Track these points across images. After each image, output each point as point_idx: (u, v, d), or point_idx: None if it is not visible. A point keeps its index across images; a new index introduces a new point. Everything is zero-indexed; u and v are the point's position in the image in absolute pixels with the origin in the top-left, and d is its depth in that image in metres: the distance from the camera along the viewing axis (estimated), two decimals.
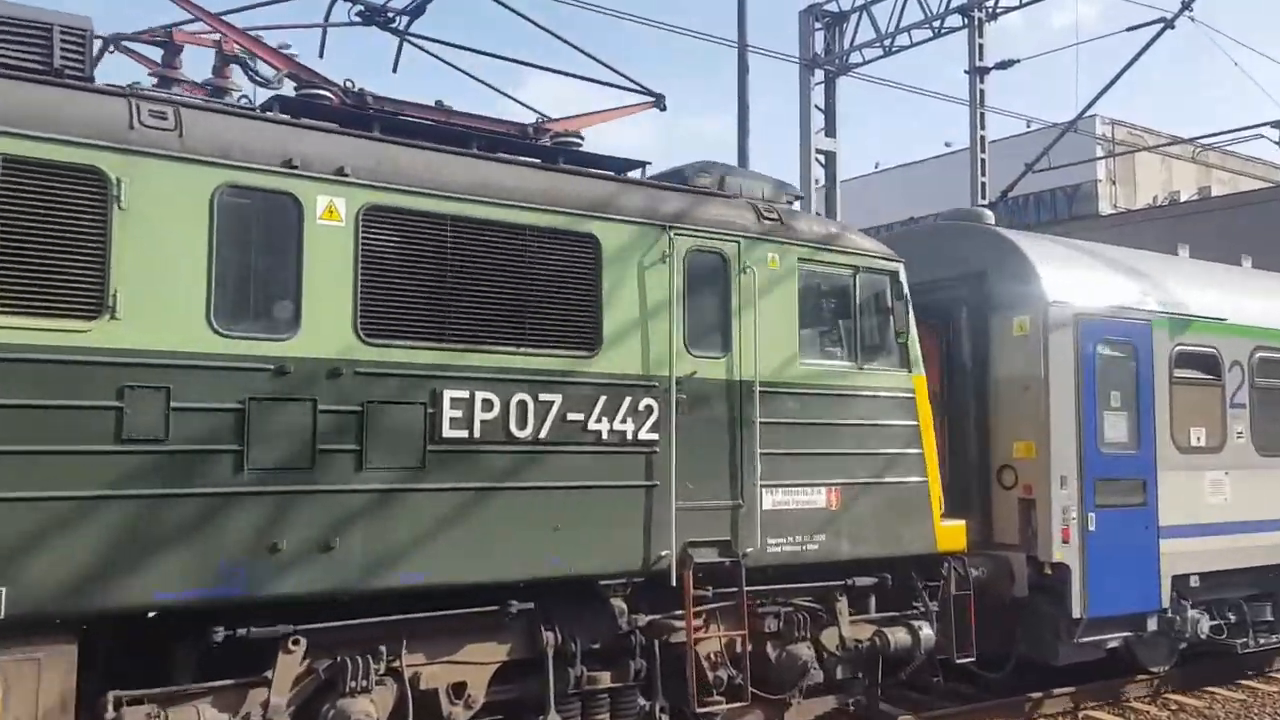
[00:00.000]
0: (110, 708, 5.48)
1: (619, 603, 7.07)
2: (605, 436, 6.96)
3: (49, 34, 5.51)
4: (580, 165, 7.62)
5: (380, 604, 6.28)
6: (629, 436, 7.07)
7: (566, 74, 8.52)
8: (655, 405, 7.18)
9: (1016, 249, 10.10)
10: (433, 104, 7.45)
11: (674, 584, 7.16)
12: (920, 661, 8.61)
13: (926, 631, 8.54)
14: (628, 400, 7.07)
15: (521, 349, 6.69)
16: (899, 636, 8.42)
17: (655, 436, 7.17)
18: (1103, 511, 9.83)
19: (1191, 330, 10.79)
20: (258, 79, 6.65)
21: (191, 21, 6.39)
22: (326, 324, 6.01)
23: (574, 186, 7.14)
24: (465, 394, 6.43)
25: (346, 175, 6.14)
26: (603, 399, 6.96)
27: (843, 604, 8.26)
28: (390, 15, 8.20)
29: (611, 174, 7.67)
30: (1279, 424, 11.59)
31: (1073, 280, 10.06)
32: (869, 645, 8.34)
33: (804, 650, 7.96)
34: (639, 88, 8.57)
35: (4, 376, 5.11)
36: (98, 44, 5.93)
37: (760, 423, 7.64)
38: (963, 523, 8.93)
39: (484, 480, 6.47)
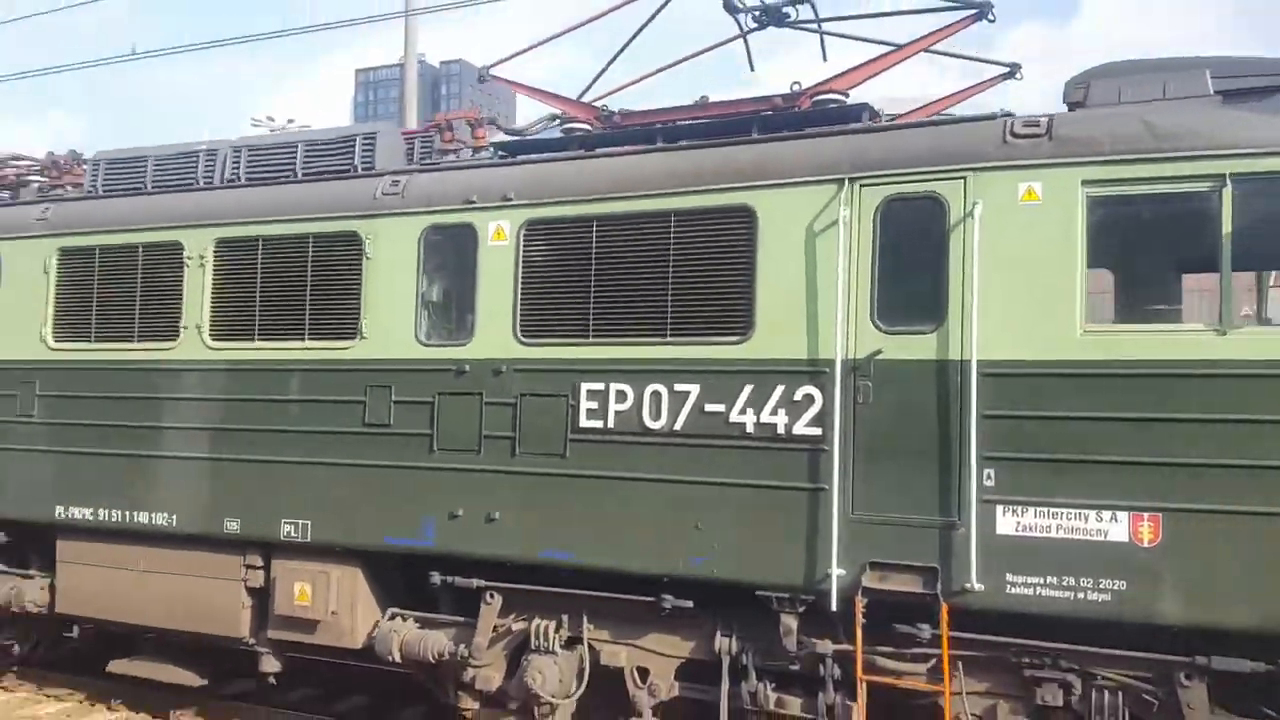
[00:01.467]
0: (386, 617, 7.58)
1: (787, 620, 6.22)
2: (750, 430, 6.27)
3: (351, 143, 7.95)
4: (833, 123, 6.81)
5: (557, 577, 6.97)
6: (780, 430, 6.20)
7: (863, 16, 7.33)
8: (818, 394, 6.11)
9: None
10: (697, 101, 7.59)
11: (834, 609, 5.97)
12: None
13: None
14: (780, 389, 6.21)
15: (664, 339, 6.58)
16: None
17: (818, 431, 6.10)
18: None
19: None
20: (512, 130, 7.93)
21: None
22: (494, 330, 7.08)
23: (722, 158, 6.58)
24: (600, 386, 6.70)
25: (510, 199, 7.10)
26: (748, 388, 6.29)
27: (1195, 693, 5.41)
28: (785, 12, 8.35)
29: (832, 128, 6.64)
30: None
31: None
32: None
33: None
34: (955, 2, 7.01)
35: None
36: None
37: (989, 416, 5.71)
38: None
39: (619, 470, 6.62)
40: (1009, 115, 6.09)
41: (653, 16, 8.18)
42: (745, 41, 8.74)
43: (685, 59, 9.16)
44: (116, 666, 9.04)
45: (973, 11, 6.96)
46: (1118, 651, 5.59)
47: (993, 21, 6.89)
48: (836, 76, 7.16)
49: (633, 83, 8.70)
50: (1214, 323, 5.43)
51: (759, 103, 7.23)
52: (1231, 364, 5.33)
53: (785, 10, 8.14)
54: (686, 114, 7.50)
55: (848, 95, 7.07)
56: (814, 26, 8.17)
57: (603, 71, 8.42)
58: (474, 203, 7.24)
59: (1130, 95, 6.18)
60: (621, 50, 8.62)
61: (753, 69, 9.27)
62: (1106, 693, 5.60)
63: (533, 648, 7.03)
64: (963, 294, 5.84)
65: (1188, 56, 6.38)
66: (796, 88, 7.17)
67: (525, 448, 6.91)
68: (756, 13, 8.22)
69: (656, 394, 6.55)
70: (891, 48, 7.52)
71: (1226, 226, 5.42)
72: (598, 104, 8.14)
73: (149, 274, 8.44)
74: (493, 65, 8.31)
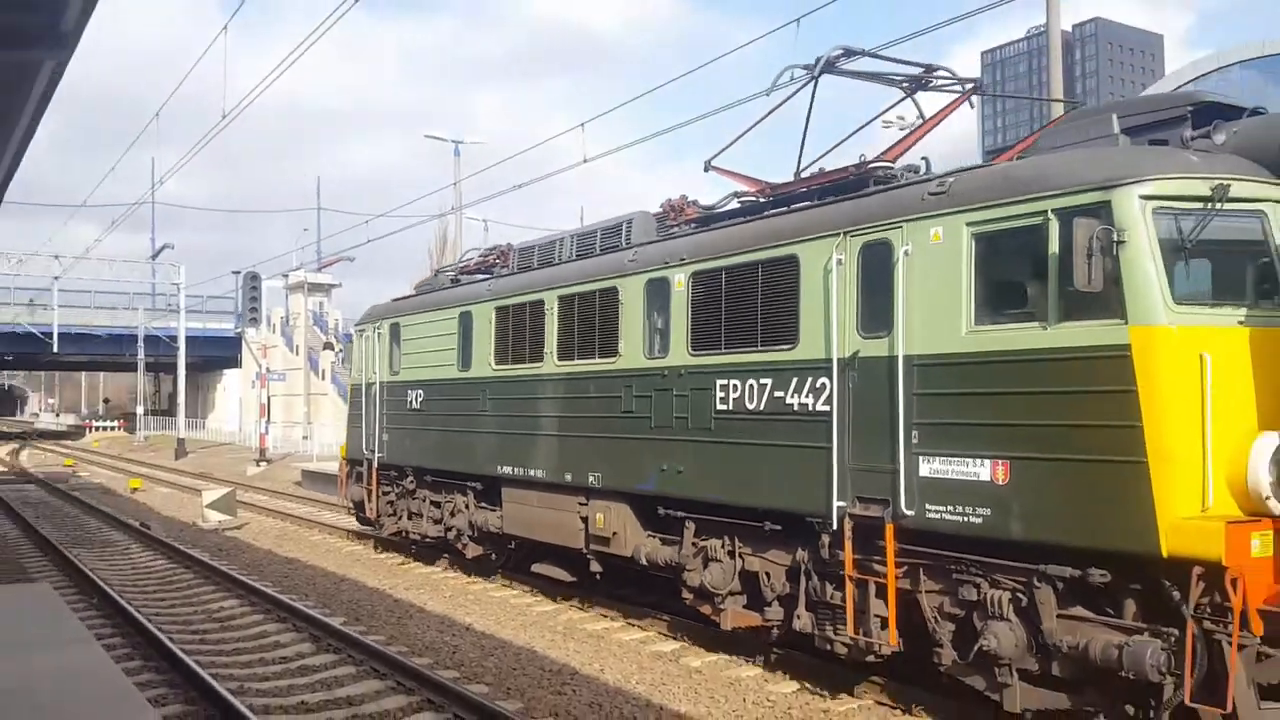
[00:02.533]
0: (645, 536, 11.60)
1: (823, 538, 9.06)
2: (796, 408, 9.23)
3: (619, 227, 12.07)
4: (851, 192, 9.46)
5: (716, 510, 10.37)
6: (810, 408, 9.08)
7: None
8: (828, 382, 8.91)
9: None
10: (815, 173, 10.51)
11: (834, 528, 8.74)
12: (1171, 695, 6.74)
13: (1135, 651, 6.76)
14: (810, 379, 9.10)
15: (755, 349, 9.74)
16: (1099, 647, 7.00)
17: (828, 408, 8.90)
18: None
19: None
20: (704, 207, 11.36)
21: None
22: (679, 346, 10.75)
23: (783, 222, 9.52)
24: (725, 381, 10.05)
25: (684, 259, 10.72)
26: (794, 380, 9.26)
27: (1044, 594, 7.42)
28: (927, 79, 10.94)
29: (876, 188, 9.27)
30: None
31: None
32: (1071, 648, 7.22)
33: (1003, 629, 7.71)
34: (951, 77, 9.23)
35: (608, 386, 11.93)
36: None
37: (915, 394, 8.18)
38: (1219, 523, 6.38)
39: (735, 438, 9.92)
40: (934, 177, 8.37)
41: (811, 106, 11.09)
42: (922, 105, 11.29)
43: (856, 131, 11.92)
44: (536, 568, 14.22)
45: (969, 88, 9.06)
46: (1001, 561, 7.70)
47: (983, 95, 8.93)
48: (886, 151, 9.67)
49: (822, 157, 11.68)
50: (1041, 321, 7.37)
51: (841, 172, 9.98)
52: (1049, 351, 7.26)
53: (926, 78, 10.60)
54: (805, 182, 10.45)
55: (895, 163, 9.56)
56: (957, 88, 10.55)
57: (800, 152, 11.54)
58: (668, 263, 10.98)
59: (1061, 141, 8.11)
60: (805, 135, 11.66)
61: (921, 121, 11.65)
62: (997, 592, 7.74)
63: (709, 558, 10.57)
64: (898, 308, 8.30)
65: (1111, 102, 8.05)
66: (863, 157, 9.81)
67: (693, 424, 10.49)
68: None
69: (751, 385, 9.76)
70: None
71: (1052, 249, 7.33)
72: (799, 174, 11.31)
73: (532, 320, 13.39)
74: (713, 157, 11.87)
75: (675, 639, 11.66)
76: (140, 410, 69.87)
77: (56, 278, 57.53)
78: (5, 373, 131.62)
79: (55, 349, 60.46)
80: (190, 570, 16.43)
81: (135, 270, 62.12)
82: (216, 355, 65.42)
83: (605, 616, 12.79)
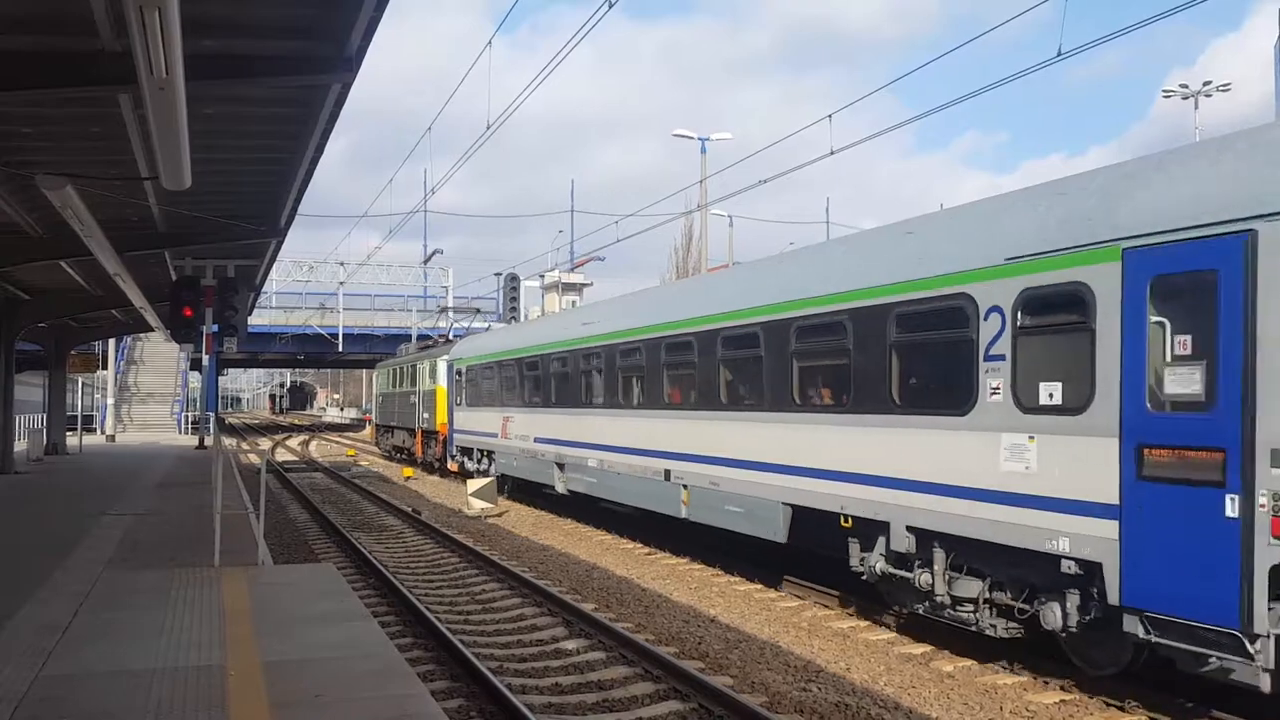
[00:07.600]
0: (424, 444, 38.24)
1: (420, 433, 35.23)
2: (422, 401, 35.63)
3: (409, 345, 38.64)
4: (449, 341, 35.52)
5: (427, 433, 36.85)
6: (420, 400, 35.40)
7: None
8: (422, 396, 35.22)
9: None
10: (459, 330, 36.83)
11: (421, 431, 35.07)
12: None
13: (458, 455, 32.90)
14: (423, 396, 35.49)
15: (424, 385, 36.05)
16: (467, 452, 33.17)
17: (416, 403, 35.19)
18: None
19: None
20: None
21: None
22: (421, 383, 37.19)
23: (429, 353, 36.37)
24: (422, 394, 36.43)
25: (414, 363, 37.24)
26: (422, 395, 35.66)
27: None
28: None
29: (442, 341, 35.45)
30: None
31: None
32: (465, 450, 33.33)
33: (467, 459, 33.83)
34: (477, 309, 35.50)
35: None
36: None
37: (425, 402, 34.40)
38: (437, 425, 32.30)
39: (425, 409, 36.32)
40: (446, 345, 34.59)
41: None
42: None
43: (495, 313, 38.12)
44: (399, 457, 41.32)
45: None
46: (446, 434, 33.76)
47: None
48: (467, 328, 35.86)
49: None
50: (435, 384, 33.40)
51: (442, 335, 36.24)
52: (438, 391, 33.30)
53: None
54: (440, 338, 36.54)
55: (467, 329, 35.68)
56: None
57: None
58: (408, 363, 37.48)
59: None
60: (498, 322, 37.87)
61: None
62: (475, 454, 33.85)
63: (426, 446, 36.99)
64: (430, 379, 34.54)
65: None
66: (460, 327, 35.94)
67: (417, 403, 36.89)
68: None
69: (420, 393, 36.06)
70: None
71: (451, 371, 33.25)
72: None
73: (402, 373, 40.16)
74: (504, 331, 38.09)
75: (925, 642, 10.82)
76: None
77: (341, 283, 62.03)
78: (297, 371, 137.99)
79: (340, 348, 64.59)
80: (455, 554, 16.73)
81: (409, 274, 66.97)
82: None
83: (852, 615, 12.16)
